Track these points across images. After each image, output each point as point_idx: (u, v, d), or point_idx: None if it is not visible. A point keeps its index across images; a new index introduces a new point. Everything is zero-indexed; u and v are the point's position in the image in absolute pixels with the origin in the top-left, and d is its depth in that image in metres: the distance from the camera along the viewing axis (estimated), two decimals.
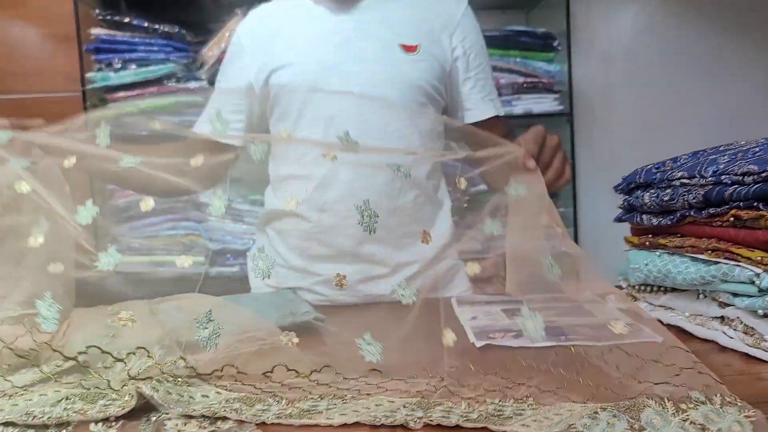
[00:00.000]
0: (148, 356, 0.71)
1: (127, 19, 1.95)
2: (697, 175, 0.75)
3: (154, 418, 0.57)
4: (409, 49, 1.09)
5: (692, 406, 0.54)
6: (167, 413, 0.57)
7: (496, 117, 1.20)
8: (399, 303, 1.04)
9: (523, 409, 0.57)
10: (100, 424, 0.56)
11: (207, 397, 0.61)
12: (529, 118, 2.11)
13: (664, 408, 0.54)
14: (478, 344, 0.74)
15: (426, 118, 1.13)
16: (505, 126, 1.23)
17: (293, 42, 1.12)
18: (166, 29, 1.96)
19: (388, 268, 1.10)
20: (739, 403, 0.55)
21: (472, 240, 2.15)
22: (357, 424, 0.55)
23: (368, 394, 0.62)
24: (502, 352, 0.72)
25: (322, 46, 1.10)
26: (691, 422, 0.52)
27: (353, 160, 1.07)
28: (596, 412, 0.54)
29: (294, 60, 1.11)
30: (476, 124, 1.16)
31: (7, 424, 0.57)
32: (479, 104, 1.18)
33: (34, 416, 0.57)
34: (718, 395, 0.55)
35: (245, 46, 1.17)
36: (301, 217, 1.10)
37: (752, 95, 2.40)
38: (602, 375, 0.63)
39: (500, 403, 0.58)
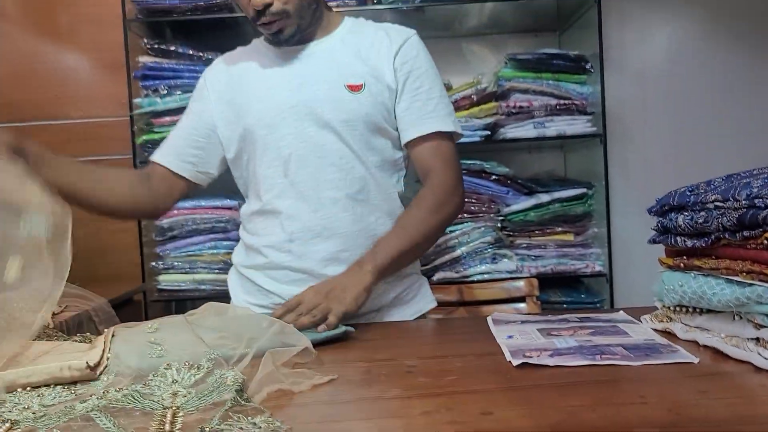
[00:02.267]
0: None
1: (173, 48, 2.04)
2: (731, 199, 0.77)
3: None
4: (354, 88, 1.18)
5: None
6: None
7: (439, 133, 1.21)
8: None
9: None
10: None
11: None
12: (563, 140, 2.13)
13: None
14: (515, 363, 0.77)
15: (376, 151, 1.20)
16: (450, 140, 1.23)
17: (253, 88, 1.23)
18: (210, 56, 2.04)
19: None
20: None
21: (505, 259, 2.17)
22: None
23: None
24: (538, 370, 0.74)
25: (279, 90, 1.20)
26: None
27: (313, 194, 1.17)
28: None
29: (254, 105, 1.21)
30: (416, 142, 1.21)
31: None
32: (413, 124, 1.20)
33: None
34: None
35: (210, 90, 1.28)
36: (274, 248, 1.20)
37: None
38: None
39: None
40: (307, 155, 1.17)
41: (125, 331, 0.91)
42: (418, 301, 1.28)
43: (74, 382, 0.75)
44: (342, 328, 0.98)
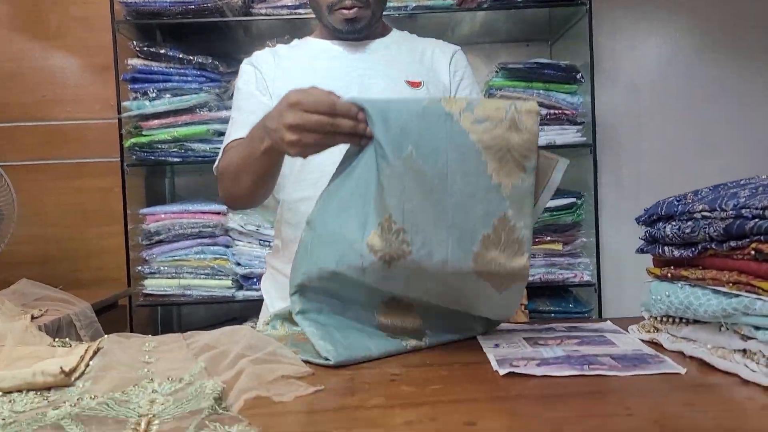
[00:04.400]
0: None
1: (162, 50, 2.03)
2: (718, 209, 0.76)
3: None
4: (414, 84, 1.22)
5: None
6: None
7: None
8: None
9: None
10: None
11: None
12: (552, 149, 2.13)
13: None
14: (501, 372, 0.76)
15: None
16: None
17: (311, 74, 1.21)
18: (200, 60, 2.03)
19: None
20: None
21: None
22: None
23: None
24: (524, 380, 0.73)
25: (338, 80, 1.18)
26: None
27: None
28: None
29: None
30: None
31: None
32: None
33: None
34: None
35: (265, 76, 1.23)
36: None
37: None
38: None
39: None
40: None
41: (120, 344, 0.88)
42: None
43: (48, 388, 0.73)
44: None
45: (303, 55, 1.26)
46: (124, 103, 2.03)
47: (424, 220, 0.82)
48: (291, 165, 1.21)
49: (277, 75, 1.23)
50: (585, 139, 2.08)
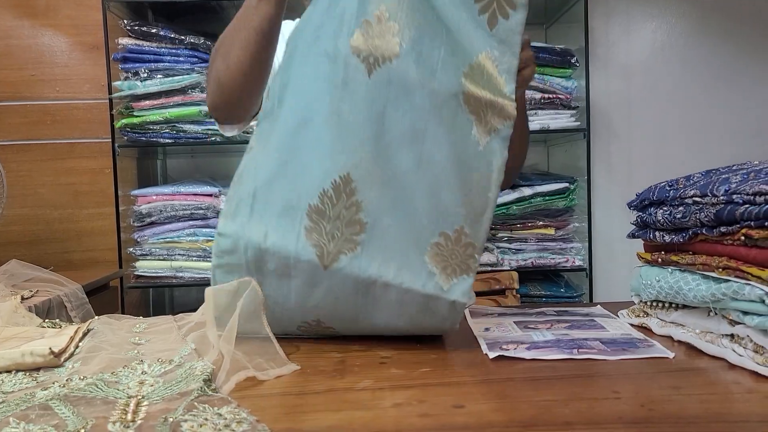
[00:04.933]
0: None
1: (154, 30, 2.00)
2: (709, 194, 0.76)
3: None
4: None
5: None
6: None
7: None
8: None
9: None
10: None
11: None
12: (546, 134, 2.12)
13: None
14: (491, 355, 0.76)
15: None
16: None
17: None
18: (192, 40, 2.00)
19: None
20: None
21: (486, 252, 2.17)
22: None
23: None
24: (514, 363, 0.74)
25: None
26: None
27: None
28: None
29: None
30: None
31: None
32: None
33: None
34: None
35: None
36: None
37: None
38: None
39: None
40: None
41: (110, 325, 0.88)
42: None
43: (38, 369, 0.73)
44: None
45: None
46: (115, 83, 2.00)
47: (416, 19, 0.78)
48: None
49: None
50: (579, 123, 2.07)
